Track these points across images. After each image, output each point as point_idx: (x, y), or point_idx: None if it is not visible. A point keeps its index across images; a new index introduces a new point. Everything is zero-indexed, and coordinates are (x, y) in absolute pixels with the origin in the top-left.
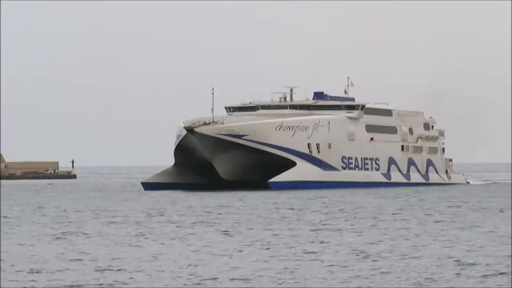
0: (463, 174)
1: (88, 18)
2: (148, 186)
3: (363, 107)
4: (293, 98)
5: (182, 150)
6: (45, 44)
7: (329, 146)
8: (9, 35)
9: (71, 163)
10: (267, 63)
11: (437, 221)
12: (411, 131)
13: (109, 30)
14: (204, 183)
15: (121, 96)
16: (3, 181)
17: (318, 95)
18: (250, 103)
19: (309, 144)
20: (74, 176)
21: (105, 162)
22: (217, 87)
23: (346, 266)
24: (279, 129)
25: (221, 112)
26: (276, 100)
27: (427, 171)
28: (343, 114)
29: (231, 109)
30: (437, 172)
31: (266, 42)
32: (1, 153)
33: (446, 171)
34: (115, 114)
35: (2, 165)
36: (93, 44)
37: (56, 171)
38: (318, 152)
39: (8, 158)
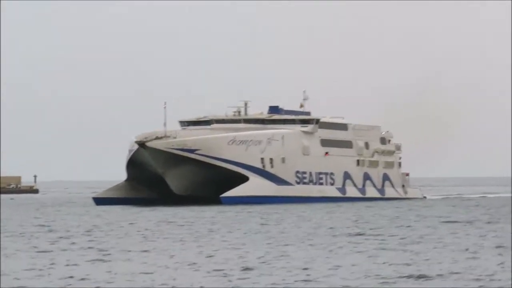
0: (420, 189)
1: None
2: (100, 201)
3: (317, 121)
4: (248, 112)
5: (134, 164)
6: (6, 54)
7: (283, 160)
8: None
9: (34, 178)
10: (223, 77)
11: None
12: (367, 145)
13: (72, 42)
14: (156, 198)
15: (80, 109)
16: None
17: (273, 109)
18: (205, 117)
19: (262, 159)
20: (37, 191)
21: (72, 177)
22: (173, 101)
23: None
24: (232, 143)
25: (177, 127)
26: (230, 114)
27: (383, 186)
28: (298, 128)
29: (185, 123)
30: (393, 186)
31: (222, 56)
32: None
33: (403, 186)
34: (79, 127)
35: None
36: (55, 55)
37: (18, 185)
38: (272, 166)
39: None
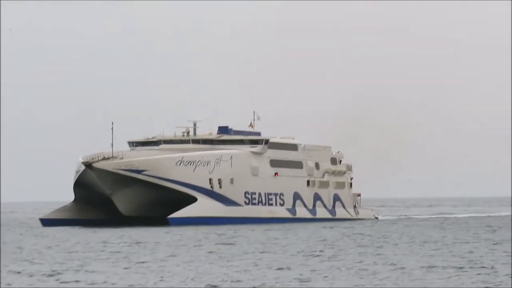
0: (372, 209)
1: None
2: (47, 222)
3: (267, 141)
4: (198, 132)
5: (81, 185)
6: None
7: (232, 181)
8: None
9: None
10: (172, 97)
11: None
12: (317, 165)
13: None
14: (104, 219)
15: (24, 128)
16: None
17: (223, 130)
18: (153, 137)
19: (210, 179)
20: None
21: (17, 198)
22: (122, 121)
23: None
24: (180, 164)
25: (125, 148)
26: (179, 134)
27: (333, 206)
28: (247, 148)
29: (134, 144)
30: (344, 207)
31: (171, 76)
32: None
33: (354, 207)
34: (22, 146)
35: None
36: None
37: None
38: (220, 187)
39: None
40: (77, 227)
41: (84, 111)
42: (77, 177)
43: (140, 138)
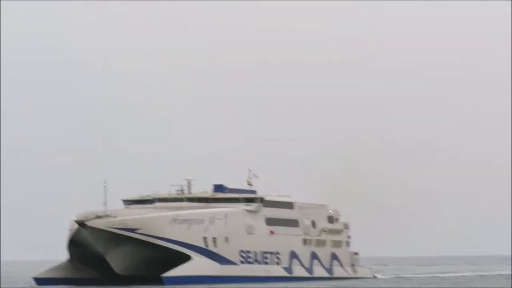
0: (370, 268)
1: None
2: (41, 281)
3: (262, 199)
4: (192, 190)
5: (75, 244)
6: None
7: (226, 239)
8: None
9: None
10: (167, 154)
11: None
12: (314, 224)
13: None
14: (98, 278)
15: (16, 185)
16: None
17: (218, 188)
18: (148, 196)
19: (205, 238)
20: None
21: (7, 257)
22: (115, 179)
23: None
24: (174, 222)
25: (119, 206)
26: (173, 192)
27: (331, 265)
28: (242, 207)
29: (128, 202)
30: (342, 266)
31: (165, 134)
32: None
33: (352, 265)
34: (14, 203)
35: None
36: None
37: None
38: (215, 246)
39: None
40: (71, 286)
41: (77, 168)
42: (70, 235)
43: (135, 196)
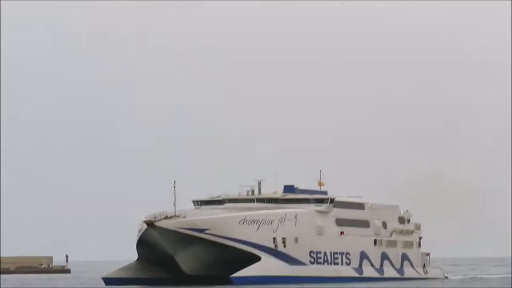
0: (441, 269)
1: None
2: (110, 281)
3: (332, 200)
4: (263, 191)
5: (144, 244)
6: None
7: (296, 240)
8: None
9: (65, 257)
10: (239, 155)
11: None
12: (384, 225)
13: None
14: (167, 278)
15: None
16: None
17: (288, 189)
18: (218, 196)
19: (274, 239)
20: (69, 271)
21: (103, 257)
22: (186, 180)
23: None
24: (243, 223)
25: (190, 206)
26: (243, 193)
27: (402, 266)
28: (312, 207)
29: (198, 203)
30: (412, 266)
31: (236, 135)
32: None
33: (423, 266)
34: (106, 204)
35: None
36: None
37: (50, 265)
38: (284, 246)
39: (1, 252)
40: (140, 286)
41: (148, 170)
42: (139, 236)
43: (205, 197)
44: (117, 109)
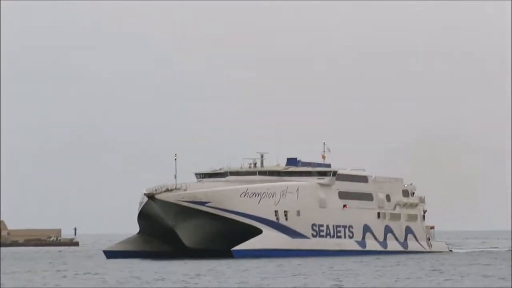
0: (446, 243)
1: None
2: (111, 254)
3: (335, 173)
4: (265, 164)
5: (145, 217)
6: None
7: (298, 213)
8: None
9: (74, 230)
10: (243, 127)
11: None
12: (388, 198)
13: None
14: (168, 251)
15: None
16: (5, 249)
17: (291, 161)
18: (220, 169)
19: (276, 211)
20: (77, 244)
21: (111, 230)
22: (189, 152)
23: None
24: (244, 195)
25: (193, 180)
26: (246, 166)
27: (405, 239)
28: (314, 180)
29: (201, 176)
30: (416, 240)
31: (241, 107)
32: (3, 220)
33: (429, 239)
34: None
35: (5, 233)
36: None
37: (59, 238)
38: (286, 219)
39: (10, 225)
40: (140, 259)
41: (154, 143)
42: (140, 208)
43: (207, 170)
44: (118, 83)
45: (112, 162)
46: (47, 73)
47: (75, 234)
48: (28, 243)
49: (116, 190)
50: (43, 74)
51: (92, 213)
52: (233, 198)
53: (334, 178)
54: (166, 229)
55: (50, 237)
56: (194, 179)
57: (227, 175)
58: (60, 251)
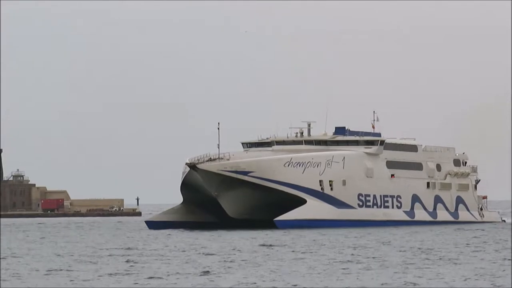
0: (499, 212)
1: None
2: (153, 225)
3: (382, 142)
4: (313, 133)
5: (188, 187)
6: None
7: (344, 183)
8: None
9: (136, 200)
10: (292, 96)
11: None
12: (438, 167)
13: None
14: (212, 221)
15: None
16: (69, 219)
17: (339, 130)
18: (267, 138)
19: (321, 181)
20: (139, 214)
21: (173, 200)
22: (239, 122)
23: None
24: (288, 165)
25: (240, 149)
26: (292, 135)
27: (456, 209)
28: (361, 149)
29: (247, 145)
30: (468, 210)
31: (292, 76)
32: (66, 190)
33: (481, 209)
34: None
35: (68, 203)
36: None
37: (121, 208)
38: (331, 189)
39: (73, 195)
40: (180, 230)
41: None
42: (183, 178)
43: (254, 139)
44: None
45: (174, 131)
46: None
47: (138, 204)
48: (90, 213)
49: (179, 160)
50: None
51: (154, 182)
52: (276, 167)
53: (382, 147)
54: (209, 199)
55: (113, 207)
56: (241, 148)
57: (273, 145)
58: (120, 221)
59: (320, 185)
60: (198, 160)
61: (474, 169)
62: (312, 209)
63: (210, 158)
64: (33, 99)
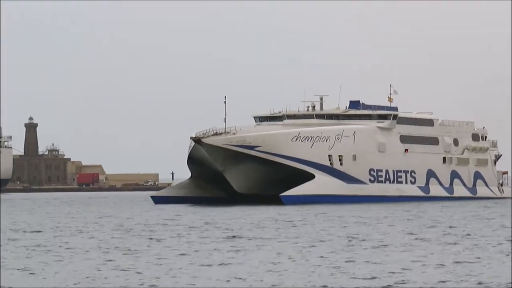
0: None
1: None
2: (159, 199)
3: (395, 116)
4: (326, 107)
5: (194, 161)
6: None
7: (354, 157)
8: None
9: (171, 175)
10: (303, 68)
11: None
12: (456, 142)
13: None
14: (217, 197)
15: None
16: (104, 193)
17: (354, 104)
18: (279, 112)
19: (330, 156)
20: None
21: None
22: (253, 95)
23: None
24: (296, 139)
25: (251, 123)
26: (304, 109)
27: (474, 185)
28: (374, 124)
29: (259, 119)
30: (487, 185)
31: (302, 43)
32: (102, 165)
33: (501, 184)
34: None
35: (103, 177)
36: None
37: (156, 183)
38: (341, 164)
39: (108, 170)
40: (186, 205)
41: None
42: (189, 153)
43: (265, 113)
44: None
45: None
46: None
47: (173, 178)
48: (126, 187)
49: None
50: None
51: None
52: (283, 142)
53: (395, 121)
54: (217, 174)
55: (148, 182)
56: (253, 122)
57: (284, 119)
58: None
59: (329, 160)
60: (204, 134)
61: (494, 144)
62: (321, 184)
63: (216, 132)
64: (74, 72)
